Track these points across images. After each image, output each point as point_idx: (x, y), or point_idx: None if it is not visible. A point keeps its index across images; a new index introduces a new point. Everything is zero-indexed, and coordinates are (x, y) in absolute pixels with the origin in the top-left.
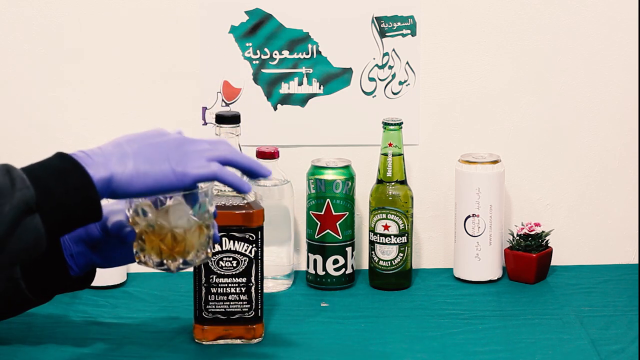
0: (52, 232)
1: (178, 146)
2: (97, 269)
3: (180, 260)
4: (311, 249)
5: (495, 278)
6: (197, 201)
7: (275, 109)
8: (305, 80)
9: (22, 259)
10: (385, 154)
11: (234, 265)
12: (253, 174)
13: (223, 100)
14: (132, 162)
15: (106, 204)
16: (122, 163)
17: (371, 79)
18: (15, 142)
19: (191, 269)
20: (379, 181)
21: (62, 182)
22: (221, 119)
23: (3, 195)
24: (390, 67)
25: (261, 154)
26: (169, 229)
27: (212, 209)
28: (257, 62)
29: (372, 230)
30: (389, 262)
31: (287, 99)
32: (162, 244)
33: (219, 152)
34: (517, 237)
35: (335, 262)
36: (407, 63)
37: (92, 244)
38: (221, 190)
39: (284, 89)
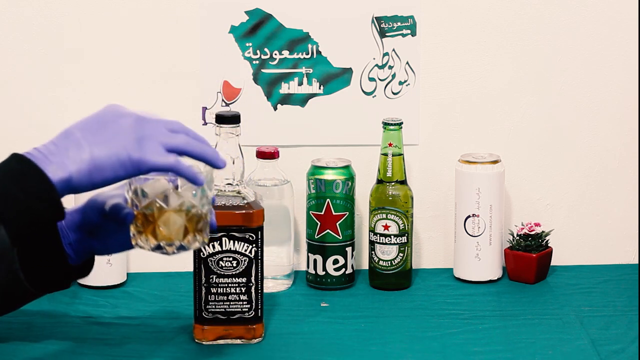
0: (17, 238)
1: (134, 129)
2: (96, 264)
3: (177, 244)
4: (311, 249)
5: (495, 278)
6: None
7: (275, 109)
8: (305, 80)
9: None
10: (385, 154)
11: (234, 265)
12: (208, 165)
13: (223, 100)
14: (88, 156)
15: (104, 189)
16: (79, 158)
17: (371, 79)
18: (15, 142)
19: (190, 253)
20: (379, 181)
21: (23, 188)
22: (221, 119)
23: None
24: (390, 67)
25: (261, 154)
26: (167, 211)
27: (210, 194)
28: (257, 62)
29: (372, 230)
30: (389, 262)
31: (287, 99)
32: (159, 227)
33: (176, 141)
34: (517, 237)
35: (335, 262)
36: (407, 63)
37: (90, 230)
38: (221, 191)
39: (284, 89)
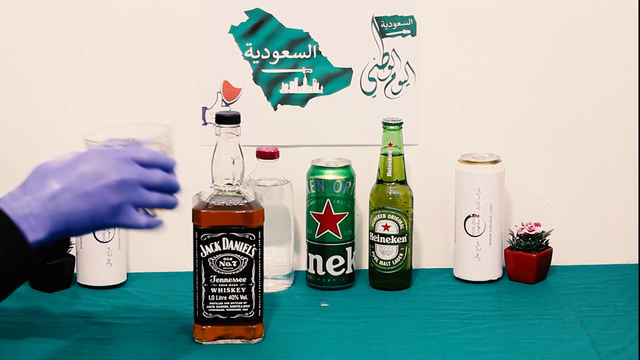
0: None
1: (112, 196)
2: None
3: None
4: (311, 249)
5: (495, 278)
6: None
7: (275, 109)
8: (305, 80)
9: None
10: (385, 154)
11: (234, 265)
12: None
13: (223, 100)
14: (64, 218)
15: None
16: (56, 220)
17: (371, 79)
18: (15, 142)
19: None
20: (379, 181)
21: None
22: (221, 119)
23: None
24: (390, 67)
25: (261, 154)
26: None
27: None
28: (257, 62)
29: (372, 230)
30: (389, 262)
31: (287, 99)
32: None
33: (147, 201)
34: (517, 237)
35: (335, 262)
36: (407, 63)
37: None
38: (221, 191)
39: (284, 89)
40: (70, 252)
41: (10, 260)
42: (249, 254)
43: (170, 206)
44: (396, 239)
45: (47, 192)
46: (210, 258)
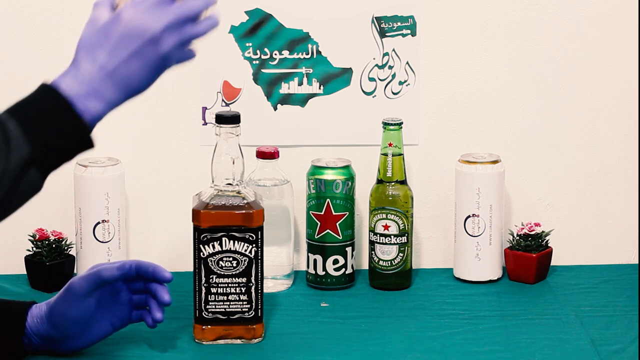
0: (48, 172)
1: (162, 51)
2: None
3: None
4: (311, 249)
5: (495, 278)
6: None
7: (275, 109)
8: (305, 80)
9: (22, 205)
10: (385, 154)
11: (234, 265)
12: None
13: (223, 100)
14: (125, 92)
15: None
16: (117, 92)
17: (371, 79)
18: None
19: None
20: (379, 181)
21: (56, 129)
22: (221, 119)
23: None
24: (390, 67)
25: (261, 154)
26: None
27: None
28: (257, 62)
29: (372, 230)
30: (389, 262)
31: (287, 99)
32: None
33: (195, 33)
34: (517, 237)
35: (335, 262)
36: (407, 63)
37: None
38: (221, 191)
39: (284, 89)
40: (70, 252)
41: (68, 141)
42: (249, 254)
43: (215, 24)
44: (396, 239)
45: (97, 64)
46: (210, 258)
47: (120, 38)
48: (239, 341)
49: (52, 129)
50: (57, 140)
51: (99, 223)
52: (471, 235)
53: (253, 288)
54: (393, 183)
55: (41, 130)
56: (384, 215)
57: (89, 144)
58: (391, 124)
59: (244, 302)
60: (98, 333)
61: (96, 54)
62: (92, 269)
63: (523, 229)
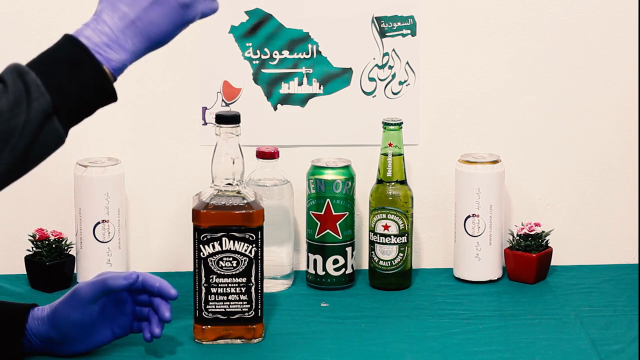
0: (71, 124)
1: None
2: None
3: None
4: (311, 249)
5: (495, 278)
6: None
7: (275, 109)
8: (305, 80)
9: (45, 158)
10: (385, 154)
11: (234, 265)
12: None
13: (223, 100)
14: (147, 42)
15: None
16: (139, 43)
17: (371, 79)
18: None
19: (190, 254)
20: (379, 181)
21: (77, 79)
22: (221, 119)
23: (18, 104)
24: (390, 67)
25: (261, 154)
26: None
27: None
28: (257, 62)
29: (372, 230)
30: (389, 262)
31: (287, 99)
32: None
33: None
34: (517, 237)
35: (335, 262)
36: (407, 63)
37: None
38: (221, 191)
39: (284, 89)
40: (70, 252)
41: (89, 91)
42: (249, 254)
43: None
44: (396, 239)
45: (117, 15)
46: (210, 258)
47: None
48: (239, 341)
49: (72, 79)
50: (78, 90)
51: (99, 223)
52: (471, 235)
53: (253, 288)
54: (393, 183)
55: (61, 80)
56: (384, 215)
57: (111, 96)
58: (391, 124)
59: (244, 302)
60: (98, 339)
61: (117, 4)
62: (99, 276)
63: (523, 229)
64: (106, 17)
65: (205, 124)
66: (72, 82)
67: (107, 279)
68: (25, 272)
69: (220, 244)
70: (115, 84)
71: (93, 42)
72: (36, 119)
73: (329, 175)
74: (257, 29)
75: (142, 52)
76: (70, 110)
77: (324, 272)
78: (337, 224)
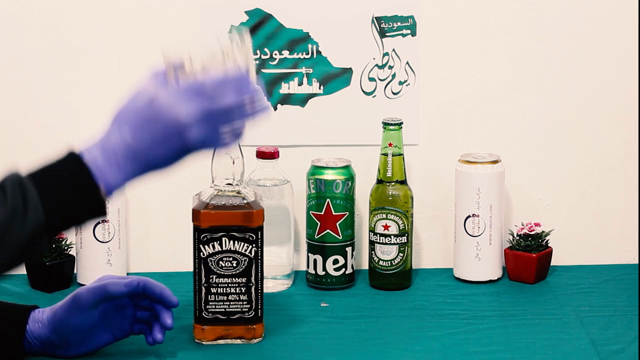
0: (56, 235)
1: (194, 147)
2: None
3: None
4: (311, 249)
5: (495, 278)
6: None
7: (275, 109)
8: (305, 80)
9: (21, 264)
10: (385, 154)
11: (234, 265)
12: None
13: None
14: (145, 168)
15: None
16: (134, 169)
17: (371, 79)
18: (16, 142)
19: (190, 253)
20: (379, 181)
21: (75, 201)
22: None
23: (13, 219)
24: (390, 67)
25: (261, 154)
26: None
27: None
28: (257, 62)
29: (372, 230)
30: (389, 262)
31: (287, 99)
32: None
33: (230, 126)
34: (517, 237)
35: (335, 262)
36: (407, 63)
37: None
38: (221, 191)
39: (284, 89)
40: (70, 252)
41: (82, 211)
42: (249, 254)
43: (262, 109)
44: (396, 239)
45: (123, 140)
46: (210, 258)
47: (148, 122)
48: (239, 341)
49: (70, 199)
50: (73, 211)
51: (99, 223)
52: (471, 235)
53: (253, 288)
54: (393, 183)
55: (59, 200)
56: (384, 215)
57: (102, 214)
58: (391, 124)
59: (244, 302)
60: (98, 342)
61: (124, 130)
62: (100, 280)
63: (523, 229)
64: (113, 138)
65: None
66: (69, 203)
67: (107, 284)
68: (25, 272)
69: (220, 244)
70: (116, 85)
71: (97, 166)
72: (27, 235)
73: (329, 175)
74: (257, 29)
75: (140, 176)
76: (60, 227)
77: (324, 272)
78: (337, 224)
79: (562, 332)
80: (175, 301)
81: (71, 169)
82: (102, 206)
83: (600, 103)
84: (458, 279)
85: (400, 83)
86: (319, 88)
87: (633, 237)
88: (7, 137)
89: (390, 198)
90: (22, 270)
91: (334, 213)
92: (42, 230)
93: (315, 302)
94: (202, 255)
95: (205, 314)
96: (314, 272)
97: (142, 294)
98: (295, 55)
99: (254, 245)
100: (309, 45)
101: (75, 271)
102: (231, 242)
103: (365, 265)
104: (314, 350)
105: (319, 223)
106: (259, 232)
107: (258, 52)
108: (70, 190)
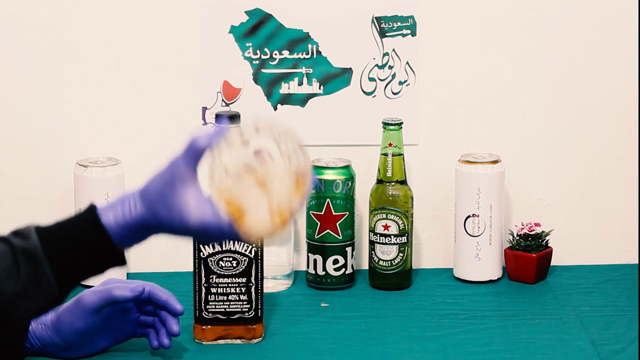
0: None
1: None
2: None
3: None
4: (311, 249)
5: (495, 278)
6: None
7: (275, 109)
8: (305, 80)
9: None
10: (385, 154)
11: (234, 265)
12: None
13: (223, 100)
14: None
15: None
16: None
17: (371, 79)
18: (16, 142)
19: (190, 254)
20: (379, 181)
21: (90, 268)
22: (221, 119)
23: (26, 294)
24: (390, 67)
25: None
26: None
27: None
28: (257, 62)
29: (372, 230)
30: (389, 262)
31: (287, 99)
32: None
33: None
34: (517, 237)
35: (335, 262)
36: (407, 63)
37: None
38: None
39: (284, 89)
40: None
41: (91, 276)
42: (249, 254)
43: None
44: (396, 239)
45: (141, 220)
46: (210, 258)
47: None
48: (239, 341)
49: (86, 266)
50: (86, 276)
51: None
52: (471, 235)
53: (253, 288)
54: (393, 183)
55: (74, 270)
56: (384, 215)
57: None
58: (391, 124)
59: (244, 302)
60: (100, 345)
61: (143, 209)
62: (105, 284)
63: (523, 229)
64: (132, 203)
65: (205, 124)
66: (84, 271)
67: (113, 289)
68: None
69: (220, 244)
70: (116, 85)
71: (113, 230)
72: (37, 308)
73: (329, 175)
74: (257, 29)
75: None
76: (70, 289)
77: (324, 272)
78: (337, 224)
79: (562, 332)
80: (180, 309)
81: (91, 237)
82: (121, 263)
83: (600, 103)
84: (458, 279)
85: (400, 83)
86: (319, 88)
87: (633, 237)
88: (7, 137)
89: (390, 198)
90: None
91: (334, 213)
92: (53, 302)
93: (315, 302)
94: (202, 255)
95: (205, 314)
96: (314, 272)
97: (147, 299)
98: (295, 55)
99: (254, 245)
100: (309, 45)
101: None
102: (231, 242)
103: (365, 265)
104: (314, 350)
105: (319, 223)
106: None
107: (258, 52)
108: (87, 259)
